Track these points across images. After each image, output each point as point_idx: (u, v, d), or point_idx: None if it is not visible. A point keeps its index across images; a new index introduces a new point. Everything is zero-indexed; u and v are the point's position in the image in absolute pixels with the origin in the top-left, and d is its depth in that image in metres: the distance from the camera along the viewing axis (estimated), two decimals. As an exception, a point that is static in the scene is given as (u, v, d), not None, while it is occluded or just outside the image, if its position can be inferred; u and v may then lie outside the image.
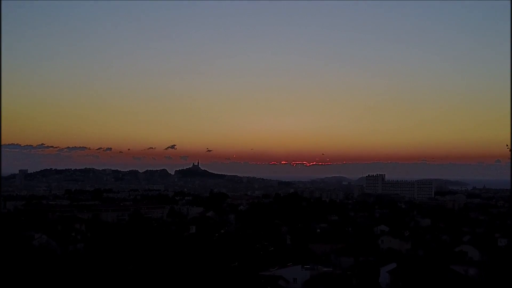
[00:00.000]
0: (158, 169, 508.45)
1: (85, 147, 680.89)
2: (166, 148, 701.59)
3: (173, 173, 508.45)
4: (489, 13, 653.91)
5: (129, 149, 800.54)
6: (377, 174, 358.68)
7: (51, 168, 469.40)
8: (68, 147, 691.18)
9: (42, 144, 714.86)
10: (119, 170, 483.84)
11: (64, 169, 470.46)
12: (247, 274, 45.78)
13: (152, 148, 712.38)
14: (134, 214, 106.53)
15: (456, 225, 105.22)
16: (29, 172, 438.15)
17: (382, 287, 46.91)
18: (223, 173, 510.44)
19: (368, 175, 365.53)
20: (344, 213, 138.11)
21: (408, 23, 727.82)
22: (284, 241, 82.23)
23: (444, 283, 42.19)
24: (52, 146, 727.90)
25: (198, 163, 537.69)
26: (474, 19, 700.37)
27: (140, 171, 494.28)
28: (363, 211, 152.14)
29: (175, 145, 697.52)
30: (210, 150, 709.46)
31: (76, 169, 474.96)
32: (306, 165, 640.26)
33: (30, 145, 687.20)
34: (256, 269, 49.47)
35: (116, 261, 41.97)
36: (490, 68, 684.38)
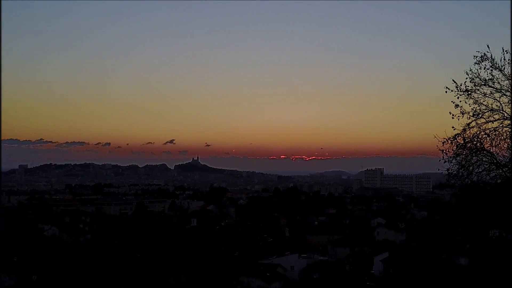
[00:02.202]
0: (157, 164, 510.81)
1: (83, 142, 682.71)
2: (165, 143, 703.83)
3: (172, 167, 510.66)
4: (489, 13, 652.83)
5: (127, 144, 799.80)
6: (375, 168, 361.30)
7: (51, 163, 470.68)
8: (67, 142, 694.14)
9: (41, 139, 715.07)
10: (118, 165, 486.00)
11: (64, 164, 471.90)
12: (247, 262, 48.28)
13: (150, 143, 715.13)
14: (138, 207, 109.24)
15: (451, 217, 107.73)
16: (29, 167, 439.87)
17: (375, 275, 49.61)
18: (222, 168, 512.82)
19: (367, 169, 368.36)
20: (342, 207, 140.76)
21: (408, 20, 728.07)
22: (283, 233, 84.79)
23: (434, 270, 44.68)
24: (51, 141, 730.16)
25: (197, 157, 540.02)
26: (474, 19, 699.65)
27: (140, 166, 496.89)
28: (361, 204, 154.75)
29: (174, 139, 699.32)
30: (209, 145, 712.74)
31: (76, 164, 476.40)
32: (305, 160, 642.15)
33: (29, 140, 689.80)
34: (255, 258, 52.02)
35: (124, 250, 44.52)
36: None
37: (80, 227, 68.73)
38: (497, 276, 21.41)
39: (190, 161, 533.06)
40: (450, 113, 14.51)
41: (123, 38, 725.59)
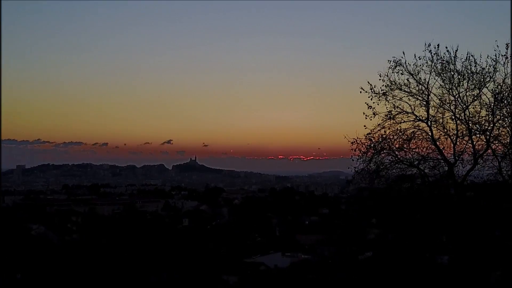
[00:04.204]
0: (155, 164, 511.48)
1: (81, 142, 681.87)
2: (163, 143, 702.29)
3: (170, 168, 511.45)
4: (489, 13, 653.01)
5: (125, 144, 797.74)
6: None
7: (49, 164, 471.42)
8: (65, 142, 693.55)
9: (39, 139, 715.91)
10: (116, 165, 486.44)
11: (61, 164, 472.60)
12: (231, 261, 48.92)
13: (148, 143, 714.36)
14: (127, 206, 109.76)
15: (443, 216, 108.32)
16: (26, 167, 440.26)
17: (358, 273, 50.17)
18: (220, 168, 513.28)
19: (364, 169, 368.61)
20: (335, 206, 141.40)
21: (410, 19, 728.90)
22: (273, 232, 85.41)
23: (415, 268, 45.28)
24: (48, 141, 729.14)
25: (195, 158, 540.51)
26: (474, 19, 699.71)
27: (138, 166, 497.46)
28: (355, 204, 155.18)
29: (171, 140, 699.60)
30: (207, 145, 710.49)
31: (73, 164, 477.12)
32: (303, 160, 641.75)
33: (26, 140, 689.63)
34: (241, 257, 52.67)
35: (110, 249, 45.15)
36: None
37: (68, 227, 69.41)
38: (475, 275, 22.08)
39: (188, 161, 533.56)
40: (363, 113, 15.41)
41: (120, 39, 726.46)
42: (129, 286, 36.06)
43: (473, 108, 15.53)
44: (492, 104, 15.06)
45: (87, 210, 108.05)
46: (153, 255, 44.86)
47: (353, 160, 15.81)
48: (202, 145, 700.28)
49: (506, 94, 14.77)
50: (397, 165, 15.90)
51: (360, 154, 15.56)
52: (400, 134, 15.63)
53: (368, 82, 15.48)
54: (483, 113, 15.24)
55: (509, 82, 14.73)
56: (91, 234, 57.80)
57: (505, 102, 14.81)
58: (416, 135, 15.67)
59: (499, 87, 14.86)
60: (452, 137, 15.81)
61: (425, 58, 15.15)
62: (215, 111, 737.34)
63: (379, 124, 15.46)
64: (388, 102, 15.25)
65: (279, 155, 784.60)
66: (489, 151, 15.61)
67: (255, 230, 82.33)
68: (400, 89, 15.38)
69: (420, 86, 15.38)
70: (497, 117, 15.12)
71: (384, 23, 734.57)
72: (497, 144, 15.49)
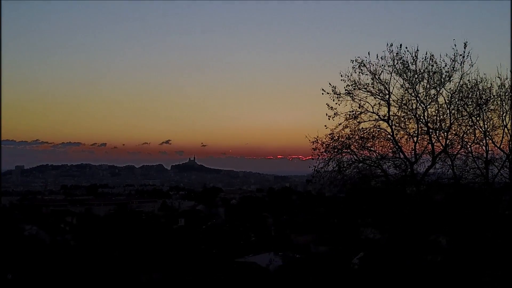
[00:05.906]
0: (154, 164, 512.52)
1: (79, 143, 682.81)
2: (161, 143, 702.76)
3: (169, 168, 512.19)
4: (489, 13, 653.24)
5: (124, 145, 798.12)
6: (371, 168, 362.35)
7: (47, 164, 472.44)
8: (63, 142, 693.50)
9: (37, 140, 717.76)
10: (115, 165, 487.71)
11: (60, 164, 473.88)
12: (224, 261, 48.99)
13: (147, 143, 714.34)
14: (120, 206, 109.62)
15: (438, 215, 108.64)
16: (25, 168, 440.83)
17: (349, 273, 50.36)
18: (219, 168, 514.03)
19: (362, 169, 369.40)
20: (332, 206, 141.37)
21: (410, 21, 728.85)
22: (269, 232, 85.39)
23: (406, 268, 45.42)
24: (47, 142, 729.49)
25: (194, 158, 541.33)
26: (474, 19, 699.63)
27: (136, 166, 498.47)
28: (352, 203, 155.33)
29: (170, 140, 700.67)
30: (205, 145, 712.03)
31: (72, 164, 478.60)
32: (302, 160, 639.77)
33: (25, 141, 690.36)
34: (232, 256, 52.74)
35: (101, 248, 45.30)
36: (489, 69, 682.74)
37: (61, 227, 69.59)
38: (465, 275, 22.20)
39: (186, 162, 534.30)
40: (326, 114, 15.64)
41: (118, 39, 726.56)
42: (118, 285, 36.20)
43: (432, 107, 15.81)
44: (450, 104, 15.30)
45: (83, 210, 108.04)
46: (145, 255, 44.97)
47: (313, 159, 16.10)
48: (201, 145, 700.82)
49: (464, 94, 15.00)
50: (358, 164, 16.22)
51: (320, 153, 15.83)
52: (361, 133, 15.89)
53: (330, 84, 15.74)
54: (441, 112, 15.49)
55: (468, 81, 14.92)
56: (84, 234, 57.90)
57: (464, 101, 15.05)
58: (378, 134, 15.93)
59: (456, 86, 15.09)
60: (412, 136, 16.09)
61: (385, 58, 15.37)
62: (214, 111, 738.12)
63: (340, 124, 15.74)
64: (354, 101, 15.50)
65: (278, 155, 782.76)
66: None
67: (251, 230, 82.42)
68: (362, 89, 15.62)
69: (381, 86, 15.61)
70: (454, 116, 15.37)
71: (386, 22, 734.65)
72: (456, 142, 15.71)
